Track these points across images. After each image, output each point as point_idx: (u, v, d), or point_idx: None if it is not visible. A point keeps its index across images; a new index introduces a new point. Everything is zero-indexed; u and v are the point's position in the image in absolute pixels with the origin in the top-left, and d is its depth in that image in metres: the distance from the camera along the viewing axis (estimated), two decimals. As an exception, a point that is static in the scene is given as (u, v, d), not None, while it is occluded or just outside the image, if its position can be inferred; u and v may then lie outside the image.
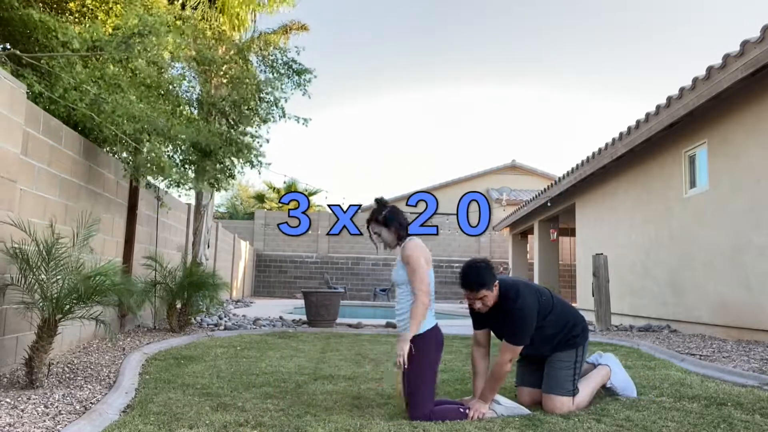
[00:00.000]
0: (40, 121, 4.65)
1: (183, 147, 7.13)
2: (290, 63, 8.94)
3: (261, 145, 8.61)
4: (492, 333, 3.54)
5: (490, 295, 3.33)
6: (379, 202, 3.52)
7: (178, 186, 7.03)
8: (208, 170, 7.57)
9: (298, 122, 9.07)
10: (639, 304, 10.12)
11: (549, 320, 3.42)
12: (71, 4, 6.34)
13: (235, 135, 7.92)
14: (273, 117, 8.83)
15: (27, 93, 4.45)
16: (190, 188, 7.62)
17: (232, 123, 8.40)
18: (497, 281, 3.36)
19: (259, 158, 8.53)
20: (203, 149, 7.34)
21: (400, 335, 3.23)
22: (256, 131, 8.71)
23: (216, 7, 9.93)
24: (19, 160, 4.25)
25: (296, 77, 8.91)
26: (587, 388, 3.52)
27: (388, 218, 3.40)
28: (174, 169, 6.04)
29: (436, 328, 3.31)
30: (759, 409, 3.40)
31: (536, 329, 3.38)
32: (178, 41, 6.22)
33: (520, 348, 3.31)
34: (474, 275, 3.31)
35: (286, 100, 8.76)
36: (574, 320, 3.51)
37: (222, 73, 8.28)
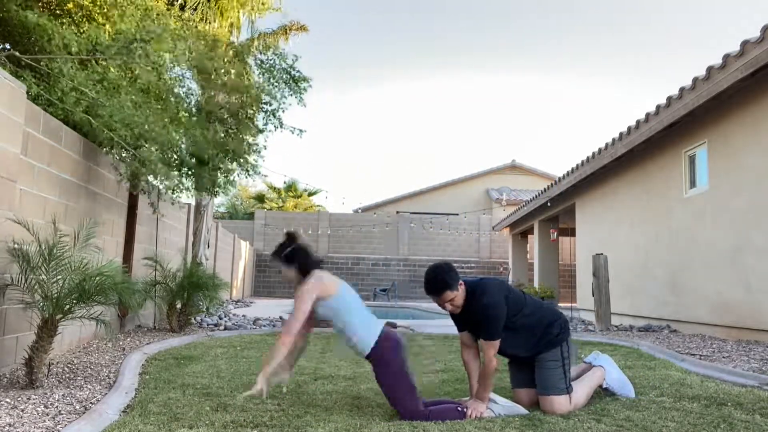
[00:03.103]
0: (40, 121, 4.65)
1: (179, 154, 7.12)
2: (289, 70, 8.87)
3: (257, 160, 8.58)
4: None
5: (457, 296, 3.36)
6: (289, 235, 3.39)
7: (173, 192, 7.03)
8: (203, 177, 7.55)
9: (293, 133, 9.05)
10: (639, 304, 10.12)
11: (522, 316, 3.44)
12: (69, 5, 6.34)
13: (231, 144, 7.87)
14: (269, 128, 8.84)
15: (27, 93, 4.45)
16: (180, 194, 7.62)
17: (230, 130, 8.37)
18: (461, 281, 3.39)
19: (256, 169, 8.52)
20: (199, 157, 7.32)
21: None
22: (252, 140, 8.69)
23: (216, 8, 9.93)
24: (19, 160, 4.25)
25: (294, 84, 8.85)
26: (584, 388, 3.53)
27: (289, 255, 3.33)
28: (167, 176, 6.04)
29: (384, 337, 3.24)
30: (759, 409, 3.40)
31: (512, 328, 3.40)
32: (179, 47, 6.22)
33: (497, 342, 3.33)
34: (434, 280, 3.34)
35: (283, 111, 8.73)
36: (550, 318, 3.52)
37: (221, 82, 8.27)
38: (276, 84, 8.75)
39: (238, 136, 8.19)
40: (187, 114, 7.48)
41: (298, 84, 8.83)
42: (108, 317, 4.84)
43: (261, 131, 8.78)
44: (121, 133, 5.14)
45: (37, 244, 3.93)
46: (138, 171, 5.61)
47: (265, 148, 9.01)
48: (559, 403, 3.34)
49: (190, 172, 7.52)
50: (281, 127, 8.81)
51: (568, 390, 3.39)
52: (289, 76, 8.82)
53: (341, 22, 50.53)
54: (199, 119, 8.01)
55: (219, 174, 7.81)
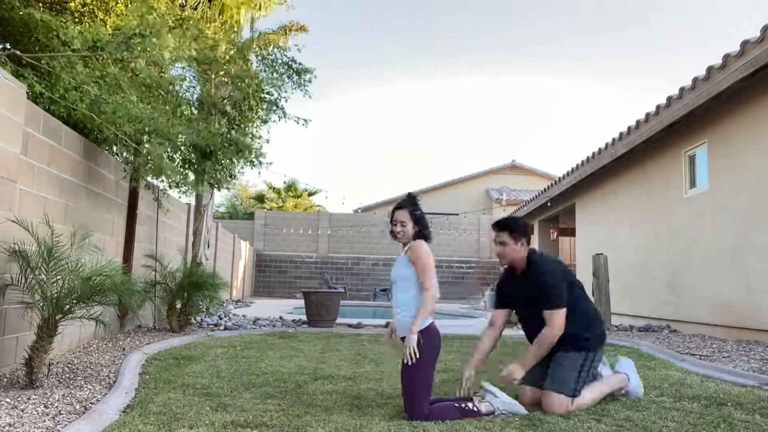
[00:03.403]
0: (40, 121, 4.65)
1: (183, 148, 7.13)
2: (290, 63, 8.87)
3: (261, 146, 8.60)
4: (518, 321, 3.68)
5: (511, 248, 3.46)
6: (413, 196, 3.55)
7: (178, 187, 7.03)
8: (207, 171, 7.56)
9: (298, 123, 9.03)
10: (639, 304, 10.12)
11: (571, 299, 3.45)
12: (71, 4, 6.34)
13: (235, 136, 7.89)
14: (273, 118, 8.82)
15: (27, 93, 4.45)
16: (187, 190, 7.62)
17: (233, 122, 8.39)
18: (526, 242, 3.48)
19: (260, 158, 8.52)
20: (203, 150, 7.33)
21: (410, 329, 3.19)
22: (256, 131, 8.69)
23: (215, 5, 9.93)
24: (19, 160, 4.25)
25: (296, 77, 8.83)
26: (593, 392, 3.47)
27: (419, 216, 3.44)
28: (172, 170, 6.04)
29: (431, 328, 3.28)
30: (759, 409, 3.40)
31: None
32: (179, 42, 6.22)
33: (563, 311, 3.36)
34: (506, 219, 3.59)
35: (286, 100, 8.70)
36: (589, 320, 3.52)
37: (223, 72, 8.26)
38: (279, 78, 8.71)
39: (241, 128, 8.20)
40: (188, 108, 7.50)
41: (301, 76, 8.79)
42: (108, 317, 4.84)
43: (264, 122, 8.77)
44: (125, 129, 5.13)
45: (36, 245, 3.93)
46: (141, 167, 5.62)
47: (268, 142, 9.04)
48: (560, 401, 3.31)
49: (193, 166, 7.53)
50: (284, 117, 8.80)
51: (574, 394, 3.35)
52: (291, 70, 8.78)
53: (341, 22, 50.53)
54: (201, 113, 8.02)
55: (223, 167, 7.82)
